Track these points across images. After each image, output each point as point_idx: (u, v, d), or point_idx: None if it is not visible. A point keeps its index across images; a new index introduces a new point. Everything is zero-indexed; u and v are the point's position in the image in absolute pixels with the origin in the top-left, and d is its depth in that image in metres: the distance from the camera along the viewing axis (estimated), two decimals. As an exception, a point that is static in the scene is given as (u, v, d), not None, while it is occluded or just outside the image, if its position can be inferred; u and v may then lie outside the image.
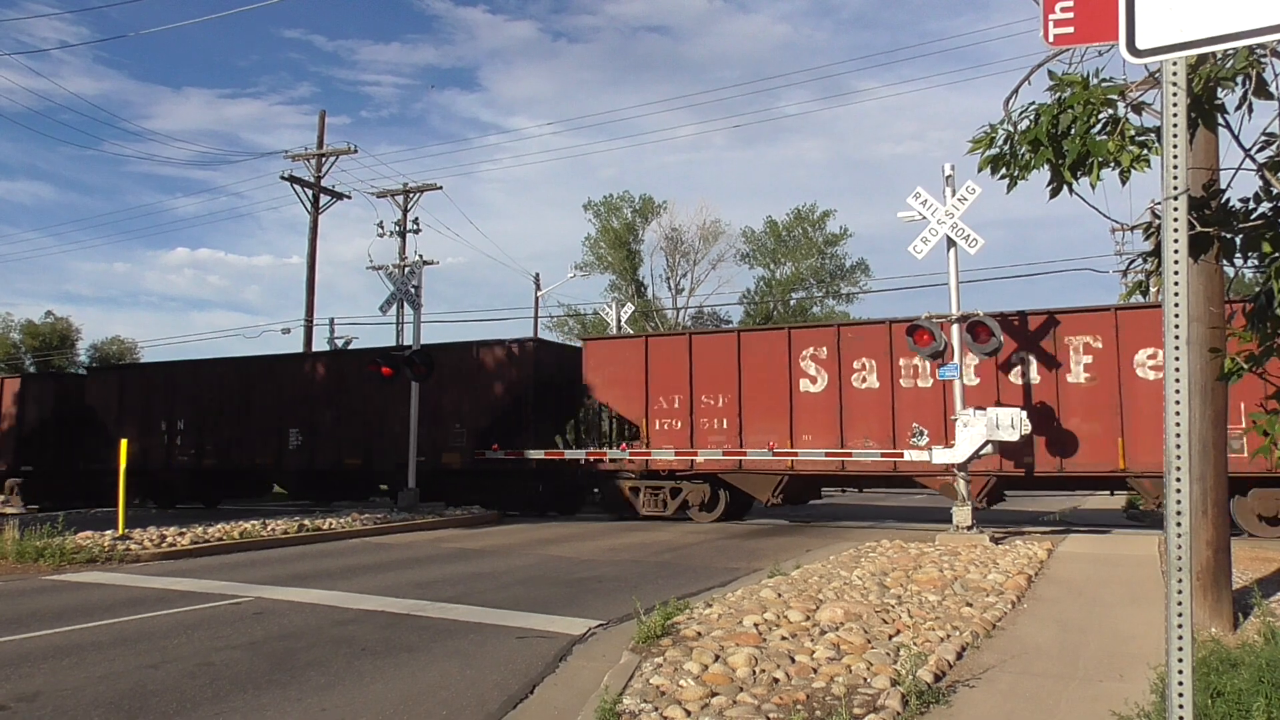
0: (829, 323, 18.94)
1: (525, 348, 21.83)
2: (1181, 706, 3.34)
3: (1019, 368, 16.85)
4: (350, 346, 38.56)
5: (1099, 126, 4.75)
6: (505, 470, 21.04)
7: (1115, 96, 4.77)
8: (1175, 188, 3.44)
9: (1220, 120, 5.17)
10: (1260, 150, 5.14)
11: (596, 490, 21.64)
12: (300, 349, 31.59)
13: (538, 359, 21.62)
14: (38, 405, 27.59)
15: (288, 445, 23.78)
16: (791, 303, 50.27)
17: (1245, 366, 5.28)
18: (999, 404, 16.09)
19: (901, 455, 17.11)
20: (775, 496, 18.57)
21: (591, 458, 20.21)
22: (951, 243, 14.82)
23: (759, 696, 5.88)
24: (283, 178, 31.54)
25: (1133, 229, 6.25)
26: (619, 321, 36.77)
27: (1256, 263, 5.18)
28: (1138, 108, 4.89)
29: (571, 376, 21.45)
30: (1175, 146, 3.47)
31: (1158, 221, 4.58)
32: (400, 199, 28.06)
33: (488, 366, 21.97)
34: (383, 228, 25.32)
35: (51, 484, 27.04)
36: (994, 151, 5.11)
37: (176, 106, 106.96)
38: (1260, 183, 5.13)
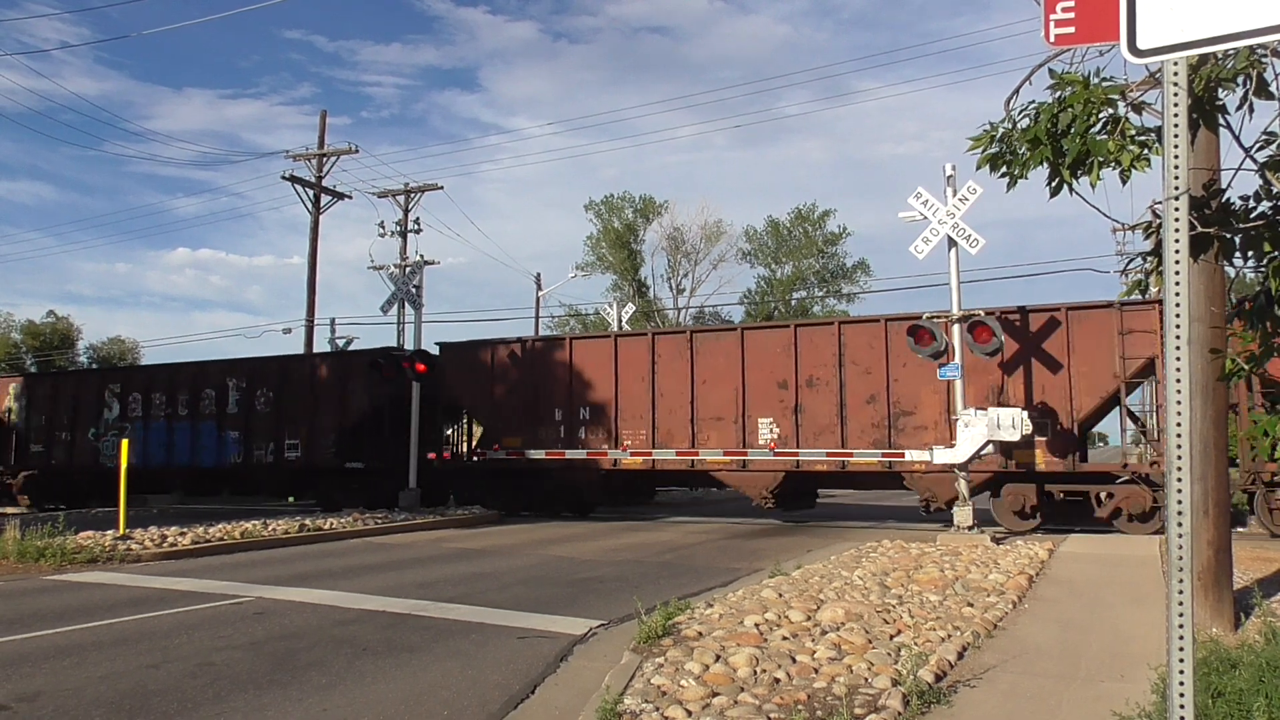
0: None
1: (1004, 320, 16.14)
2: (1183, 707, 3.33)
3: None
4: (351, 347, 38.34)
5: (1099, 126, 4.74)
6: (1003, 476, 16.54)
7: (1116, 96, 4.76)
8: (1176, 187, 3.44)
9: (1221, 120, 5.17)
10: (1260, 149, 5.14)
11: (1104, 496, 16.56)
12: (302, 346, 31.53)
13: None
14: (368, 389, 22.32)
15: (757, 440, 18.82)
16: (793, 302, 50.28)
17: (1246, 367, 5.28)
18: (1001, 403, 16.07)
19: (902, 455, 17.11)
20: None
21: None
22: (952, 243, 14.83)
23: (760, 696, 5.88)
24: (284, 178, 31.56)
25: (1133, 229, 6.24)
26: (620, 321, 36.78)
27: (1256, 262, 5.17)
28: (1138, 107, 4.88)
29: None
30: (1176, 146, 3.46)
31: (1158, 221, 4.58)
32: (401, 199, 28.05)
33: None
34: (384, 228, 25.36)
35: (389, 482, 21.96)
36: (993, 150, 5.11)
37: (178, 107, 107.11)
38: (1260, 182, 5.13)
